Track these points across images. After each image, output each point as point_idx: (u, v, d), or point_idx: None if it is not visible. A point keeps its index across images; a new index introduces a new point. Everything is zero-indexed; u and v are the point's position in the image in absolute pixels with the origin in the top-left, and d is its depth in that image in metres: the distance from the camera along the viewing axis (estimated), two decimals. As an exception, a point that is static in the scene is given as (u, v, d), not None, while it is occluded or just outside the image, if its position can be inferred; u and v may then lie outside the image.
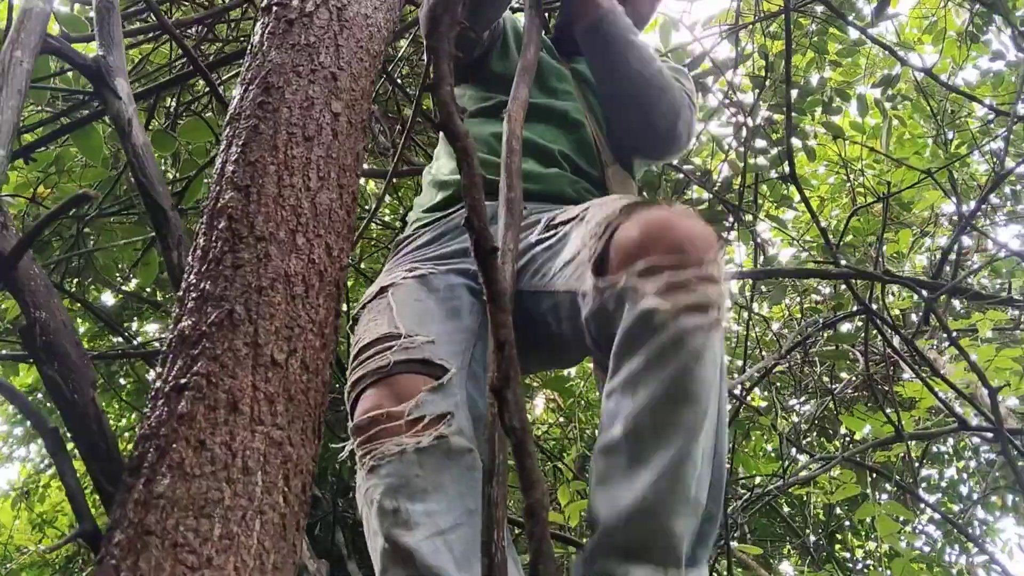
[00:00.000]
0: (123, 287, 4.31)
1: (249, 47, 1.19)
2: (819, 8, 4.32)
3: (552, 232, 1.57)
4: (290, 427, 0.89)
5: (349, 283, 4.96)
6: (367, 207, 3.71)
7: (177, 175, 2.92)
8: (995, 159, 4.03)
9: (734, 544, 3.80)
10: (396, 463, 1.38)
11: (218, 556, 0.78)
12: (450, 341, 1.55)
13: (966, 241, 6.36)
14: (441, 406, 1.46)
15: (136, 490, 0.82)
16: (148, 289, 4.35)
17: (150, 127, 2.80)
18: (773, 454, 5.75)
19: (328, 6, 1.22)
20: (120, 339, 4.50)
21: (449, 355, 1.52)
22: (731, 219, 3.99)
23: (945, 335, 5.14)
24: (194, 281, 0.96)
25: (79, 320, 5.25)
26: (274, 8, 1.20)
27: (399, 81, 3.24)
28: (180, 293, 0.97)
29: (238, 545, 0.80)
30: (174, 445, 0.84)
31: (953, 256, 5.14)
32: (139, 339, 5.62)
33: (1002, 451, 2.73)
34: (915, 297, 5.09)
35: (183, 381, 0.88)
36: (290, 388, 0.91)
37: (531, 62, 1.60)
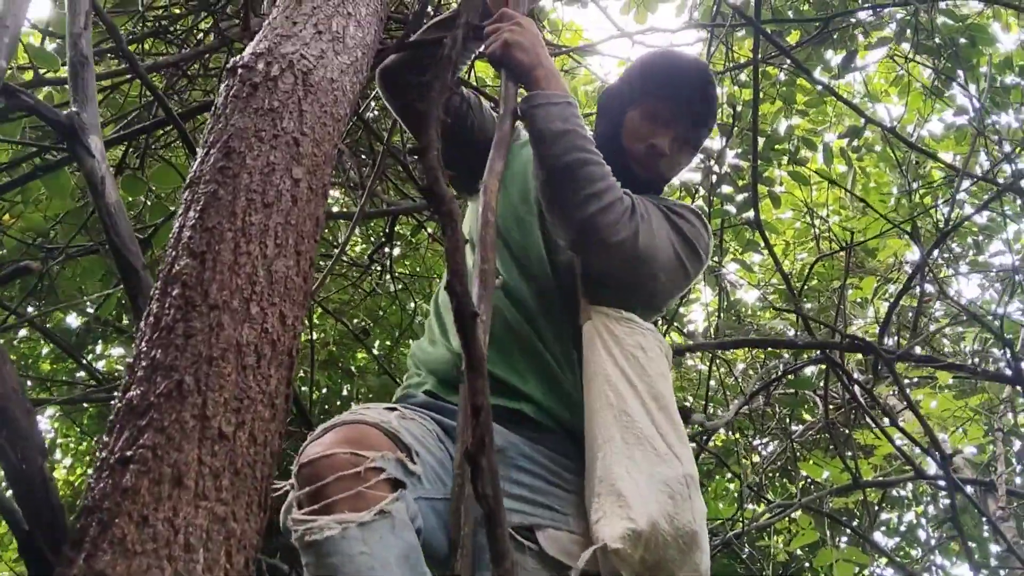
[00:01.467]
0: (88, 309, 4.28)
1: (213, 109, 1.20)
2: (787, 60, 4.40)
3: None
4: (235, 502, 0.89)
5: (315, 316, 4.95)
6: (336, 243, 3.71)
7: (147, 218, 2.91)
8: (951, 211, 4.11)
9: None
10: (338, 541, 1.34)
11: (156, 638, 0.78)
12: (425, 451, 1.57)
13: (928, 288, 6.46)
14: (400, 475, 1.45)
15: (76, 566, 0.82)
16: (112, 313, 4.32)
17: (123, 167, 2.78)
18: (736, 494, 5.78)
19: (294, 71, 1.23)
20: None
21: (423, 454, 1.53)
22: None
23: (903, 401, 5.22)
24: (145, 349, 0.96)
25: (42, 343, 5.19)
26: (239, 71, 1.21)
27: (369, 118, 3.26)
28: (130, 360, 0.97)
29: (177, 625, 0.79)
30: (116, 520, 0.83)
31: (915, 303, 5.22)
32: (102, 363, 5.57)
33: (951, 509, 2.76)
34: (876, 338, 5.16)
35: (128, 453, 0.88)
36: (236, 461, 0.91)
37: (506, 134, 1.62)
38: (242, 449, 0.92)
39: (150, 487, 0.86)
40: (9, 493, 0.95)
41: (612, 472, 1.54)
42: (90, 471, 0.90)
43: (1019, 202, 5.68)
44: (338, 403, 5.74)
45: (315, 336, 4.76)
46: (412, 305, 4.57)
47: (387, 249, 3.82)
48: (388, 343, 5.49)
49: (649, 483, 1.52)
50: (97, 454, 0.90)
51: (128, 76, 2.71)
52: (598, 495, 1.53)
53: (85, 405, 5.17)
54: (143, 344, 0.97)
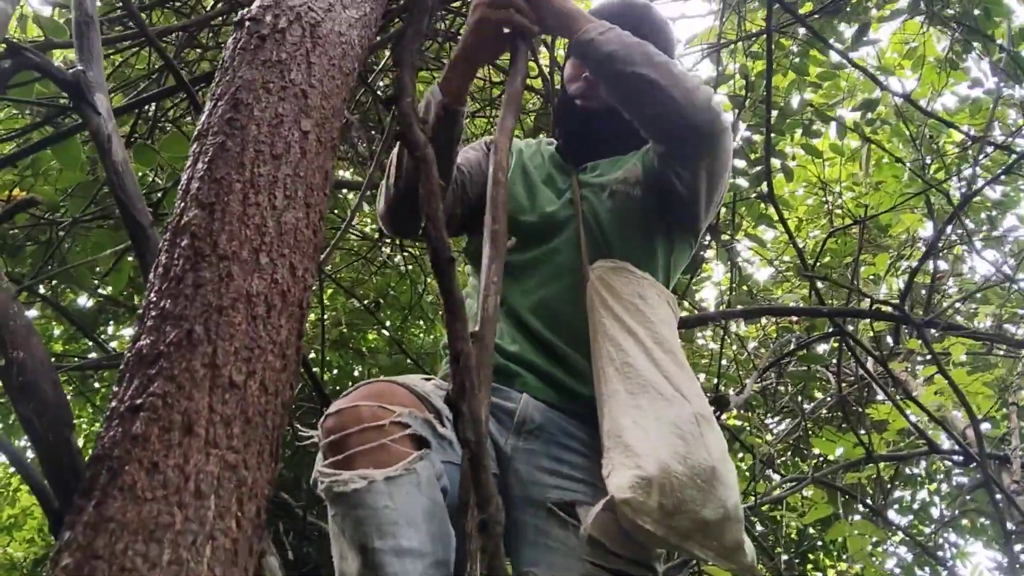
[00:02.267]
0: (99, 290, 4.28)
1: (220, 62, 1.18)
2: (801, 30, 4.36)
3: None
4: (246, 450, 0.88)
5: (326, 293, 4.95)
6: (344, 216, 3.70)
7: (164, 183, 2.90)
8: (969, 185, 4.07)
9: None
10: (363, 494, 1.36)
11: (167, 582, 0.77)
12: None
13: (942, 265, 6.42)
14: (427, 435, 1.45)
15: (86, 512, 0.81)
16: (124, 292, 4.33)
17: (132, 139, 2.78)
18: (747, 472, 5.77)
19: (301, 23, 1.21)
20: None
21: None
22: (709, 238, 4.01)
23: (925, 361, 5.19)
24: (154, 299, 0.95)
25: (54, 323, 5.21)
26: (246, 23, 1.19)
27: (378, 91, 3.24)
28: (140, 311, 0.96)
29: (187, 571, 0.78)
30: (126, 467, 0.82)
31: (928, 280, 5.19)
32: (114, 344, 5.59)
33: (984, 478, 2.74)
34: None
35: (138, 401, 0.86)
36: (247, 410, 0.90)
37: (517, 91, 1.61)
38: (253, 398, 0.91)
39: (160, 435, 0.85)
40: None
41: (618, 424, 1.52)
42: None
43: (1034, 176, 5.63)
44: (349, 383, 5.76)
45: (326, 316, 4.76)
46: (424, 282, 4.56)
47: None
48: (398, 322, 5.49)
49: (657, 427, 1.49)
50: (108, 404, 0.90)
51: (136, 45, 2.70)
52: (607, 450, 1.51)
53: (97, 385, 5.19)
54: (152, 295, 0.96)
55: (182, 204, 1.03)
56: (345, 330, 5.24)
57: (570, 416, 1.68)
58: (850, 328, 3.52)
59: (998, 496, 3.25)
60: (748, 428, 4.94)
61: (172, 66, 1.80)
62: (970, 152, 4.80)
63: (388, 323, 5.59)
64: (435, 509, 1.40)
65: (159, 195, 2.63)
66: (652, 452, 1.45)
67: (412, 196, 1.63)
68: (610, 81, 1.71)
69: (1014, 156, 3.75)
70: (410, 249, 4.23)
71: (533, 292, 1.76)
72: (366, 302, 4.85)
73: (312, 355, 4.58)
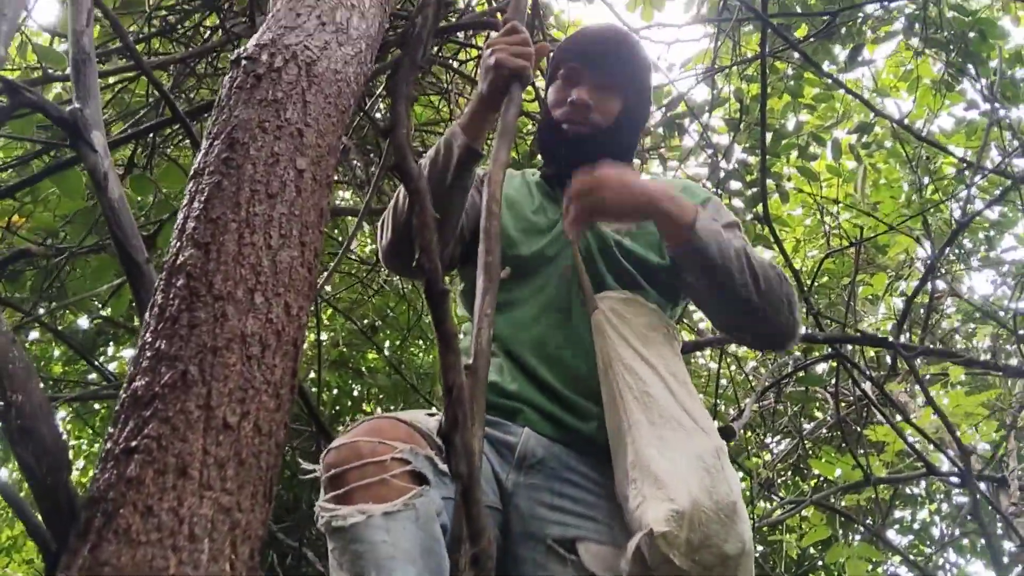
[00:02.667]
0: (99, 312, 4.29)
1: (217, 100, 1.19)
2: (795, 54, 4.38)
3: None
4: (240, 492, 0.89)
5: (325, 314, 4.95)
6: (342, 240, 3.71)
7: (152, 216, 2.92)
8: (965, 205, 4.09)
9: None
10: (361, 528, 1.37)
11: (160, 627, 0.77)
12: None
13: (940, 284, 6.43)
14: (428, 472, 1.45)
15: (81, 555, 0.82)
16: (124, 315, 4.33)
17: (130, 170, 2.79)
18: (747, 493, 5.75)
19: (297, 61, 1.22)
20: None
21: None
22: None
23: (915, 398, 5.19)
24: (149, 340, 0.96)
25: (53, 344, 5.22)
26: (243, 62, 1.21)
27: (376, 117, 3.26)
28: (135, 351, 0.97)
29: (181, 615, 0.79)
30: (121, 510, 0.83)
31: (926, 299, 5.20)
32: (114, 365, 5.59)
33: (970, 503, 2.74)
34: (890, 338, 5.13)
35: (133, 444, 0.87)
36: (241, 452, 0.91)
37: (511, 123, 1.61)
38: (247, 439, 0.92)
39: (155, 477, 0.85)
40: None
41: (644, 455, 1.50)
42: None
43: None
44: (348, 403, 5.75)
45: (325, 336, 4.77)
46: (422, 303, 4.56)
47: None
48: (397, 343, 5.49)
49: (684, 460, 1.49)
50: (103, 445, 0.90)
51: (134, 74, 2.72)
52: (633, 481, 1.50)
53: (96, 407, 5.19)
54: (147, 335, 0.97)
55: (178, 243, 1.04)
56: (344, 350, 5.25)
57: (572, 450, 1.67)
58: (846, 351, 3.52)
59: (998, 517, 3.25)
60: (747, 449, 4.93)
61: (168, 99, 1.81)
62: (966, 174, 4.82)
63: (387, 343, 5.59)
64: (432, 545, 1.40)
65: (156, 226, 2.64)
66: (683, 485, 1.45)
67: (412, 233, 1.64)
68: (703, 282, 1.68)
69: (1010, 179, 3.76)
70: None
71: (528, 328, 1.75)
72: (365, 322, 4.86)
73: (312, 375, 4.59)
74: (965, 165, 4.22)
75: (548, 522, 1.58)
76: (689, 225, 1.60)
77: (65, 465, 0.94)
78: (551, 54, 1.99)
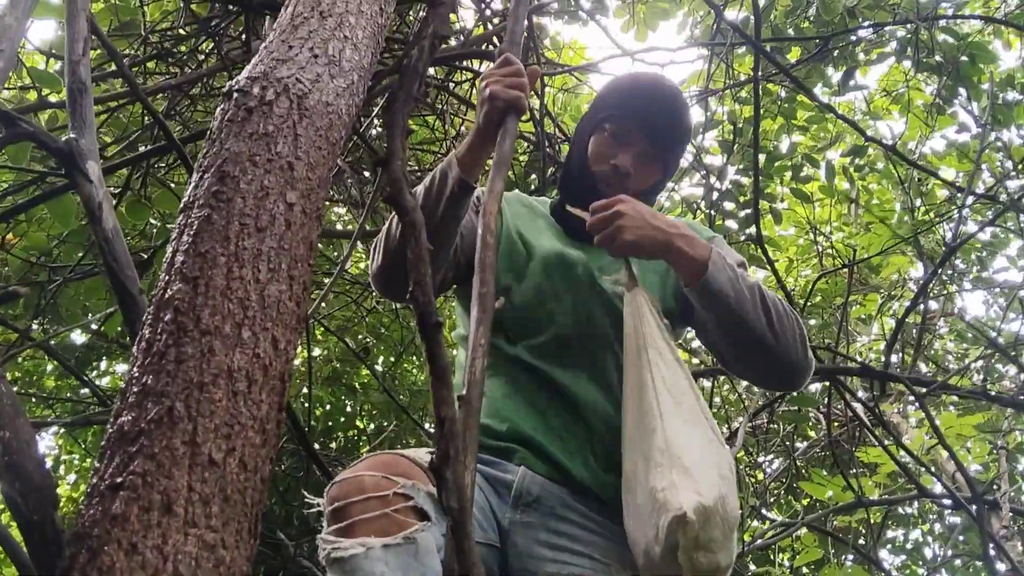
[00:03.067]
0: (92, 327, 4.29)
1: (208, 133, 1.20)
2: (788, 78, 4.41)
3: None
4: (224, 529, 0.89)
5: (318, 331, 4.95)
6: (337, 260, 3.72)
7: (153, 238, 2.92)
8: (957, 228, 4.11)
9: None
10: (361, 560, 1.39)
11: (143, 667, 0.78)
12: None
13: (932, 305, 6.45)
14: (429, 509, 1.46)
15: (65, 594, 0.82)
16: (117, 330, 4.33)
17: (125, 196, 2.80)
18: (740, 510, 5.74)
19: (289, 95, 1.23)
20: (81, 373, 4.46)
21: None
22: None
23: (914, 416, 5.20)
24: (137, 375, 0.96)
25: (46, 360, 5.21)
26: (234, 95, 1.21)
27: (370, 140, 3.27)
28: (123, 385, 0.97)
29: (164, 656, 0.79)
30: (106, 547, 0.83)
31: (919, 319, 5.21)
32: (106, 380, 5.58)
33: (978, 526, 2.73)
34: (882, 358, 5.15)
35: (119, 480, 0.87)
36: (226, 488, 0.91)
37: (507, 154, 1.61)
38: (232, 475, 0.92)
39: (140, 514, 0.86)
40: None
41: (676, 443, 1.50)
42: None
43: (1022, 219, 5.68)
44: (341, 419, 5.75)
45: (318, 352, 4.77)
46: (415, 323, 4.57)
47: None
48: (391, 359, 5.49)
49: (707, 463, 1.48)
50: (89, 481, 0.91)
51: (129, 99, 2.73)
52: (659, 465, 1.49)
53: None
54: (135, 369, 0.97)
55: (167, 277, 1.04)
56: (337, 366, 5.25)
57: (567, 489, 1.69)
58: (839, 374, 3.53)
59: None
60: (740, 468, 4.93)
61: (164, 126, 1.82)
62: (958, 198, 4.85)
63: (381, 359, 5.59)
64: None
65: (151, 251, 2.65)
66: (708, 483, 1.45)
67: (404, 260, 1.64)
68: (716, 319, 1.68)
69: (1001, 203, 3.78)
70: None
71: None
72: (360, 338, 4.86)
73: (304, 390, 4.60)
74: (956, 189, 4.24)
75: (545, 560, 1.60)
76: (704, 263, 1.62)
77: (51, 501, 0.95)
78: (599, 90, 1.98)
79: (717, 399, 5.01)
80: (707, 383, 5.70)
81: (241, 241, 1.06)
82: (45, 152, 2.53)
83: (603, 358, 1.77)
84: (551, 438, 1.72)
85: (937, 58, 4.41)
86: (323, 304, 3.69)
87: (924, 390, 3.24)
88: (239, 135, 1.17)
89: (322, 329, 4.77)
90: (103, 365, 5.54)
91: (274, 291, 1.06)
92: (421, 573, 1.39)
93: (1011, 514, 4.03)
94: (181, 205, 1.12)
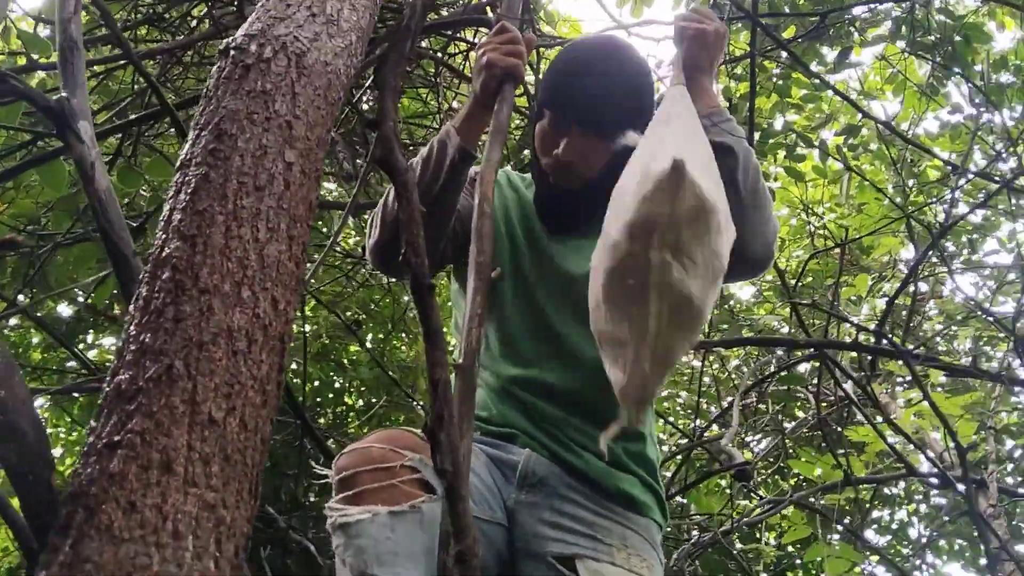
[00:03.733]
0: (80, 299, 4.26)
1: (204, 91, 1.18)
2: (783, 53, 4.38)
3: None
4: (225, 489, 0.88)
5: (308, 306, 4.92)
6: (329, 234, 3.69)
7: (147, 206, 2.89)
8: (950, 208, 4.11)
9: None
10: (367, 524, 1.41)
11: (142, 625, 0.76)
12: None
13: (922, 287, 6.46)
14: (436, 483, 1.47)
15: (62, 552, 0.80)
16: (105, 302, 4.29)
17: (117, 161, 2.76)
18: (728, 490, 5.77)
19: (287, 53, 1.21)
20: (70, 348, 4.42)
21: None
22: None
23: (905, 383, 5.22)
24: (134, 333, 0.94)
25: (32, 332, 5.16)
26: (231, 53, 1.19)
27: (363, 111, 3.24)
28: (120, 344, 0.95)
29: (164, 614, 0.78)
30: (103, 506, 0.82)
31: (909, 301, 5.23)
32: (93, 352, 5.54)
33: (968, 505, 2.74)
34: (871, 340, 5.14)
35: (116, 438, 0.86)
36: (227, 448, 0.89)
37: (503, 123, 1.60)
38: (232, 435, 0.91)
39: (138, 473, 0.84)
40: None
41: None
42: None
43: (1014, 201, 5.69)
44: (330, 395, 5.72)
45: (308, 328, 4.73)
46: (406, 298, 4.55)
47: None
48: (381, 336, 5.47)
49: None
50: (85, 439, 0.89)
51: (121, 63, 2.69)
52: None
53: (76, 395, 5.15)
54: (132, 328, 0.95)
55: (164, 236, 1.02)
56: (327, 342, 5.22)
57: (570, 475, 1.69)
58: (830, 350, 3.53)
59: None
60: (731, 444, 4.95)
61: (157, 89, 1.79)
62: (951, 178, 4.85)
63: (370, 336, 5.56)
64: (435, 546, 1.42)
65: (143, 218, 2.62)
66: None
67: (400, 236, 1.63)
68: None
69: (995, 183, 3.78)
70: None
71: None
72: (348, 314, 4.83)
73: (293, 366, 4.57)
74: (950, 168, 4.23)
75: (548, 539, 1.61)
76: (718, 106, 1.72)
77: (47, 462, 0.93)
78: (539, 55, 1.95)
79: (707, 379, 5.02)
80: (696, 363, 5.71)
81: (239, 200, 1.04)
82: (34, 120, 2.50)
83: (579, 344, 1.74)
84: (543, 433, 1.73)
85: (931, 38, 4.39)
86: (312, 280, 3.66)
87: (918, 365, 3.24)
88: (236, 92, 1.14)
89: (312, 303, 4.73)
90: (90, 338, 5.50)
91: (273, 251, 1.04)
92: (426, 542, 1.41)
93: (998, 493, 4.05)
94: (178, 163, 1.10)
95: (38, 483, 0.90)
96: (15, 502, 1.01)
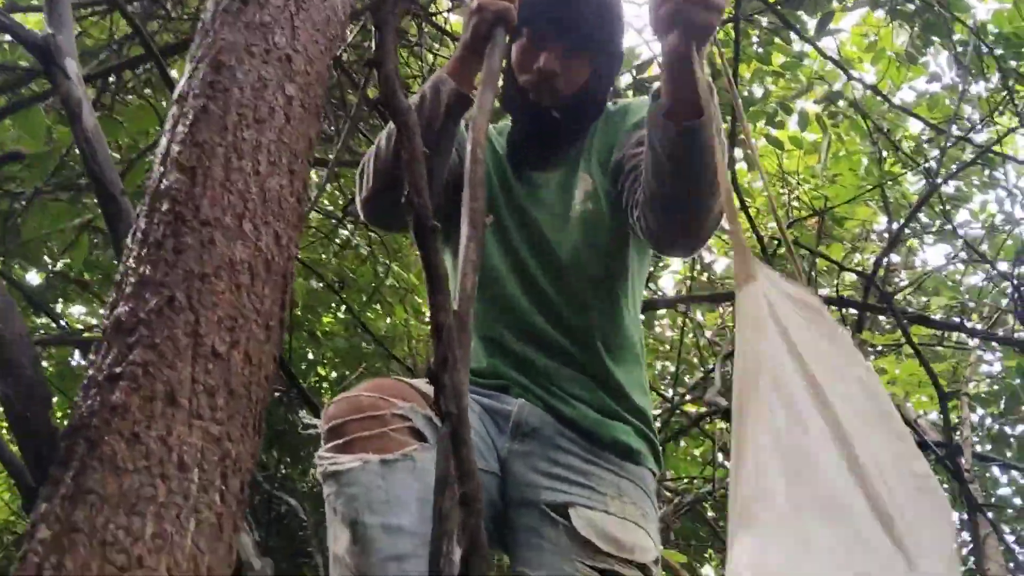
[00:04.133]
0: (50, 266, 4.18)
1: (200, 24, 1.14)
2: (765, 20, 4.37)
3: None
4: (230, 422, 0.85)
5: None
6: (309, 195, 3.63)
7: (122, 157, 2.83)
8: (929, 175, 4.13)
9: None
10: (358, 472, 1.39)
11: (149, 556, 0.74)
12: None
13: (894, 258, 6.52)
14: (428, 432, 1.45)
15: (64, 484, 0.78)
16: (76, 270, 4.22)
17: (98, 108, 2.69)
18: (700, 459, 5.81)
19: (285, -14, 1.17)
20: (45, 319, 4.36)
21: None
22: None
23: (876, 353, 5.27)
24: (133, 265, 0.91)
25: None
26: (228, -15, 1.15)
27: (345, 67, 3.18)
28: (118, 277, 0.92)
29: (171, 545, 0.76)
30: (106, 438, 0.79)
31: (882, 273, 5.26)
32: (63, 321, 5.45)
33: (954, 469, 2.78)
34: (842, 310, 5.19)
35: (117, 370, 0.83)
36: (231, 381, 0.87)
37: (495, 69, 1.56)
38: (237, 369, 0.88)
39: (141, 404, 0.81)
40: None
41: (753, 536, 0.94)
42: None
43: (987, 172, 5.74)
44: (302, 366, 5.67)
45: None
46: (387, 265, 4.50)
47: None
48: (357, 307, 5.42)
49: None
50: (85, 373, 0.86)
51: (101, 10, 2.62)
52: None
53: (46, 364, 5.08)
54: (131, 261, 0.92)
55: (161, 168, 0.99)
56: (299, 313, 5.15)
57: (564, 425, 1.69)
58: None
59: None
60: (711, 415, 4.99)
61: (142, 33, 1.74)
62: (926, 147, 4.89)
63: (344, 308, 5.51)
64: (428, 496, 1.40)
65: (124, 167, 2.56)
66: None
67: (395, 178, 1.59)
68: (678, 160, 1.44)
69: (980, 146, 3.80)
70: (373, 232, 4.18)
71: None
72: (328, 281, 4.77)
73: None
74: (936, 130, 4.25)
75: (541, 488, 1.61)
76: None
77: (45, 399, 0.90)
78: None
79: (685, 342, 5.03)
80: (671, 333, 5.73)
81: (239, 132, 1.01)
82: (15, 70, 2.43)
83: (558, 294, 1.75)
84: (535, 383, 1.72)
85: (911, 6, 4.39)
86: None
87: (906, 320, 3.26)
88: (234, 25, 1.11)
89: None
90: (59, 307, 5.41)
91: (275, 185, 1.01)
92: (419, 491, 1.39)
93: (973, 458, 4.11)
94: (174, 96, 1.06)
95: (37, 421, 0.87)
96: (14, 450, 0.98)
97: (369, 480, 1.38)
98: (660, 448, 1.82)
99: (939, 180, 3.71)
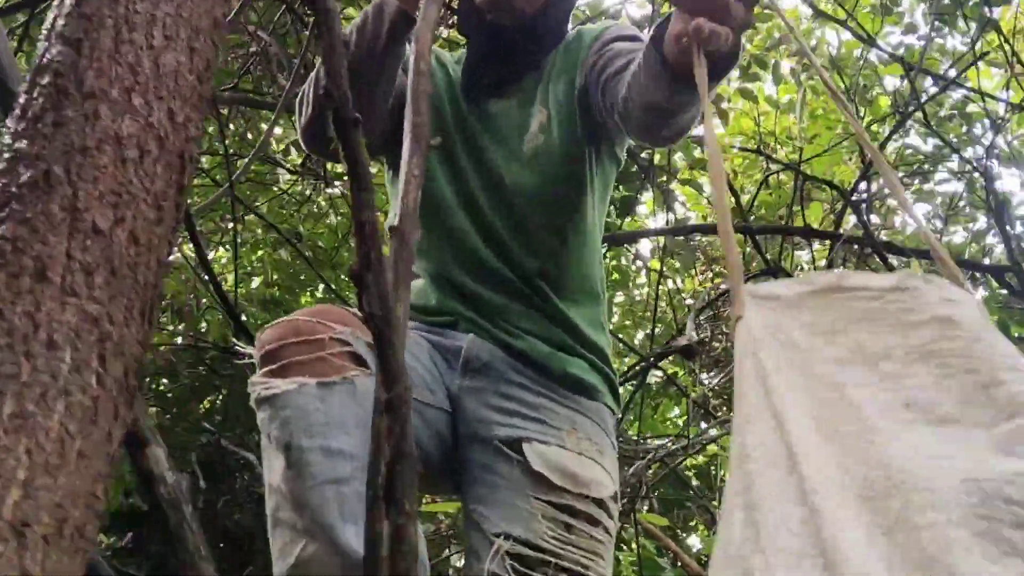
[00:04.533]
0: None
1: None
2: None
3: None
4: (111, 303, 0.78)
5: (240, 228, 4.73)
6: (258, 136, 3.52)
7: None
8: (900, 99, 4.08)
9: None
10: (294, 395, 1.32)
11: (7, 436, 0.66)
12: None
13: (873, 219, 6.46)
14: (369, 358, 1.38)
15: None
16: None
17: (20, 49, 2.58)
18: (680, 421, 5.77)
19: None
20: None
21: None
22: (644, 178, 3.95)
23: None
24: (8, 141, 0.83)
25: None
26: None
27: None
28: (-9, 154, 0.84)
29: (34, 426, 0.68)
30: (-35, 313, 0.71)
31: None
32: None
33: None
34: (823, 261, 5.12)
35: (-17, 246, 0.75)
36: (113, 260, 0.79)
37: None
38: (120, 248, 0.80)
39: (8, 281, 0.74)
40: None
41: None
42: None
43: (965, 128, 5.68)
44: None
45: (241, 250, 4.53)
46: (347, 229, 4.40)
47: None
48: (335, 285, 5.31)
49: None
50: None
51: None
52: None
53: None
54: (7, 138, 0.84)
55: (46, 43, 0.90)
56: (277, 292, 5.03)
57: (516, 357, 1.63)
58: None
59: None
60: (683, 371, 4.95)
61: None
62: (901, 89, 4.82)
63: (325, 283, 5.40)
64: (368, 420, 1.34)
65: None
66: None
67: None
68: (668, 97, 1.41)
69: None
70: (335, 187, 4.08)
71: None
72: (302, 252, 4.67)
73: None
74: (907, 67, 4.18)
75: (494, 423, 1.56)
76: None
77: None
78: None
79: (663, 304, 4.98)
80: (646, 289, 5.66)
81: (132, 4, 0.93)
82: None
83: (507, 230, 1.69)
84: (485, 318, 1.67)
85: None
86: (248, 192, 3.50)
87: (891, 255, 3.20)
88: None
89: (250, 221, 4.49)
90: None
91: (171, 60, 0.93)
92: (360, 416, 1.32)
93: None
94: (63, -30, 0.98)
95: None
96: None
97: (306, 403, 1.31)
98: (618, 384, 1.75)
99: (911, 108, 3.64)
